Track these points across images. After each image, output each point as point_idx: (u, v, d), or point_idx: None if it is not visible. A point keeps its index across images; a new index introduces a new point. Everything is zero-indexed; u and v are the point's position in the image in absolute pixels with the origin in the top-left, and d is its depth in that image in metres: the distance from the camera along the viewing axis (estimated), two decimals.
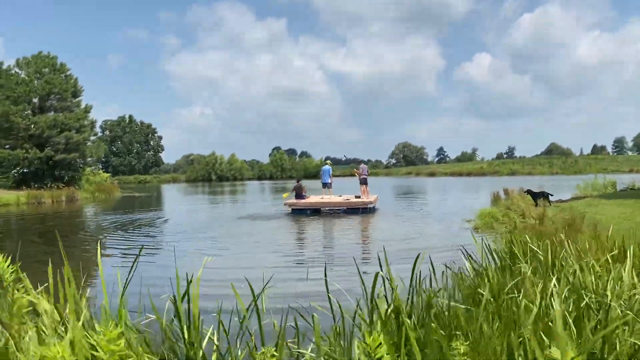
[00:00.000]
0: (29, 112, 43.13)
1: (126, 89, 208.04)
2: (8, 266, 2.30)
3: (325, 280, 3.75)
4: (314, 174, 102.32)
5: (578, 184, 26.12)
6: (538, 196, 20.58)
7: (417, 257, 3.90)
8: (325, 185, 24.77)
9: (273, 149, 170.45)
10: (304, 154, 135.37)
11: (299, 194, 23.81)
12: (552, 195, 20.81)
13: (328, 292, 3.73)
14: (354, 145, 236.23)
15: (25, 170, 43.46)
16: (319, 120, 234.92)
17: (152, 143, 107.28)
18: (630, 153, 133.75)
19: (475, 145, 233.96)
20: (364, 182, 24.36)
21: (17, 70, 44.00)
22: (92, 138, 46.50)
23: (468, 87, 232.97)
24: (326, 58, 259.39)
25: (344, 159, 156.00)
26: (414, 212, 22.76)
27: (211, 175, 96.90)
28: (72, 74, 45.86)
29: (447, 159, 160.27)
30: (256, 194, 47.26)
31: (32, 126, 42.23)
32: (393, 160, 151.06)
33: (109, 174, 58.05)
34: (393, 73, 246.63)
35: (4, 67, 43.20)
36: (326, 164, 26.25)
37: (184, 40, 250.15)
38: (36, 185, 41.05)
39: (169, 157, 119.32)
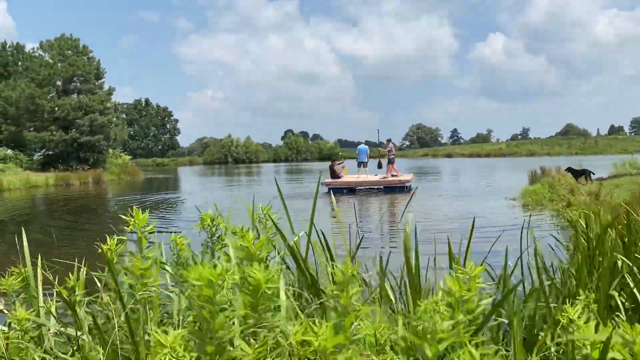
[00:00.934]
0: (53, 94, 43.25)
1: (139, 72, 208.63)
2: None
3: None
4: (328, 157, 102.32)
5: (615, 162, 25.84)
6: (579, 174, 20.38)
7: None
8: (362, 164, 24.67)
9: (286, 132, 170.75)
10: (316, 137, 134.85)
11: (334, 173, 23.80)
12: (594, 173, 20.57)
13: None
14: (367, 127, 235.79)
15: (50, 153, 43.79)
16: (330, 102, 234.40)
17: (168, 126, 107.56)
18: None
19: (489, 127, 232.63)
20: (392, 161, 24.37)
21: (41, 53, 44.13)
22: (115, 120, 46.47)
23: (482, 68, 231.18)
24: (338, 39, 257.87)
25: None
26: (453, 191, 22.64)
27: (227, 157, 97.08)
28: (95, 56, 45.87)
29: (461, 140, 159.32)
30: (282, 174, 47.27)
31: (57, 109, 42.36)
32: (407, 142, 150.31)
33: (130, 157, 58.26)
34: (406, 54, 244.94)
35: (28, 49, 43.35)
36: (363, 143, 26.16)
37: (196, 23, 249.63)
38: (62, 167, 41.35)
39: (182, 140, 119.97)
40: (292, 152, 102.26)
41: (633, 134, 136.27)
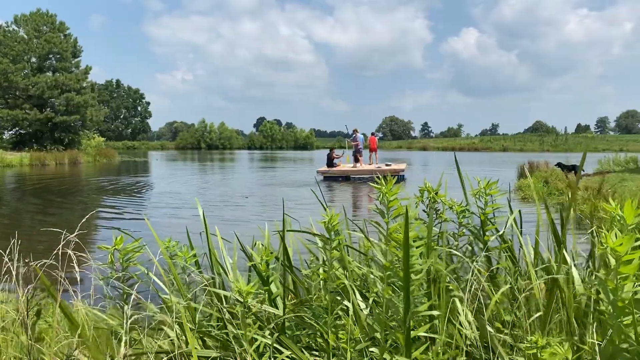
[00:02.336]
0: (27, 71, 41.76)
1: (108, 52, 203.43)
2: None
3: None
4: (304, 145, 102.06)
5: (600, 160, 26.43)
6: (569, 169, 20.74)
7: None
8: (360, 152, 24.67)
9: (258, 119, 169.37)
10: (289, 125, 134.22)
11: (331, 162, 23.71)
12: (583, 170, 20.95)
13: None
14: (340, 116, 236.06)
15: (23, 132, 42.37)
16: (304, 91, 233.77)
17: (139, 109, 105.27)
18: (611, 133, 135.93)
19: (459, 121, 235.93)
20: (359, 152, 24.52)
21: (15, 27, 42.49)
22: (91, 101, 45.18)
23: (454, 62, 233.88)
24: (313, 27, 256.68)
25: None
26: (449, 182, 22.73)
27: (200, 143, 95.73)
28: (72, 34, 44.44)
29: (432, 134, 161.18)
30: (269, 162, 46.82)
31: (31, 86, 40.93)
32: (380, 134, 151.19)
33: (103, 139, 56.85)
34: (380, 44, 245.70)
35: (1, 23, 41.69)
36: (357, 132, 26.05)
37: (168, 4, 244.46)
38: (36, 147, 40.05)
39: (151, 124, 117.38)
40: (268, 140, 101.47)
41: (598, 132, 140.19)
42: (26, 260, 2.08)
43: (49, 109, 41.05)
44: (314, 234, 2.54)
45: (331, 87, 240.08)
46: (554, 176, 19.56)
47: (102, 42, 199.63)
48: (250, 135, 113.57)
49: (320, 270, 2.33)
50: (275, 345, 2.02)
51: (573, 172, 20.44)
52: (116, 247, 2.08)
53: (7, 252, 2.31)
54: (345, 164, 25.27)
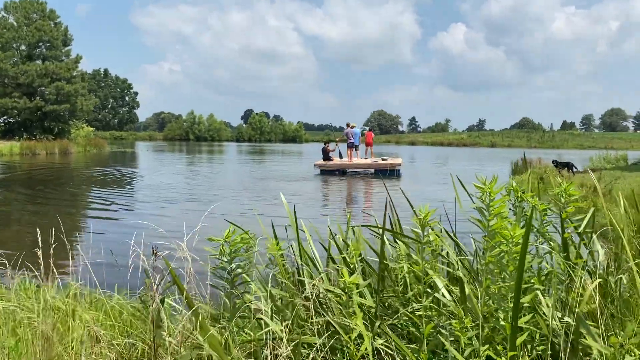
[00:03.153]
0: (17, 59, 41.20)
1: (94, 41, 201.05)
2: None
3: None
4: (292, 138, 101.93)
5: (591, 157, 26.87)
6: (563, 167, 21.06)
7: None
8: (353, 147, 24.72)
9: (246, 111, 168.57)
10: (277, 118, 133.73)
11: (327, 156, 23.80)
12: (576, 167, 21.29)
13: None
14: (328, 110, 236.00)
15: (11, 120, 41.85)
16: (293, 83, 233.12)
17: (127, 99, 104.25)
18: (596, 131, 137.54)
19: (446, 116, 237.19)
20: (350, 145, 24.62)
21: (5, 14, 41.85)
22: (81, 90, 44.68)
23: (442, 57, 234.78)
24: (302, 19, 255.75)
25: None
26: (443, 177, 22.91)
27: (189, 134, 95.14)
28: (62, 22, 43.91)
29: (419, 128, 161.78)
30: (259, 155, 46.73)
31: (21, 74, 40.40)
32: (367, 128, 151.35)
33: (92, 129, 56.26)
34: (369, 38, 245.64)
35: None
36: (354, 126, 26.13)
37: None
38: (25, 137, 39.59)
39: (138, 114, 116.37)
40: (256, 132, 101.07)
41: (583, 130, 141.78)
42: (155, 251, 2.16)
43: (38, 98, 40.59)
44: (399, 234, 2.64)
45: (320, 81, 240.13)
46: (549, 173, 19.89)
47: (88, 31, 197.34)
48: (238, 127, 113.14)
49: (405, 265, 2.43)
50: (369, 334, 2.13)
51: (566, 168, 20.79)
52: (226, 239, 2.17)
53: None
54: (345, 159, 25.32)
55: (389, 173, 22.70)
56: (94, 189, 16.49)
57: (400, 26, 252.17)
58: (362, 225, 2.96)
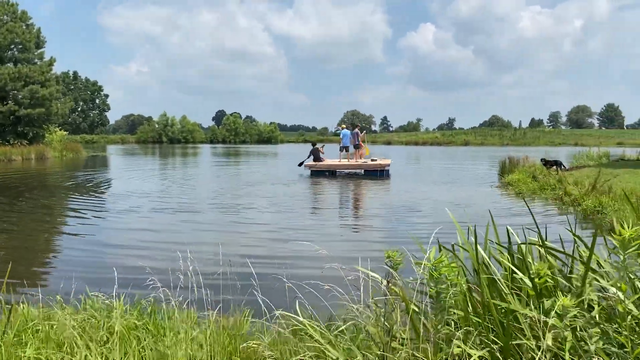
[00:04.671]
0: None
1: (60, 42, 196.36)
2: None
3: None
4: (268, 139, 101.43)
5: (575, 154, 27.44)
6: (551, 165, 21.44)
7: None
8: (344, 148, 24.82)
9: (217, 112, 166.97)
10: (249, 118, 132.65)
11: (317, 157, 23.79)
12: (564, 166, 21.72)
13: None
14: (301, 109, 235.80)
15: None
16: (264, 83, 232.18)
17: (97, 101, 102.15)
18: (563, 127, 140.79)
19: (417, 115, 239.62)
20: (357, 146, 24.86)
21: None
22: (56, 94, 43.45)
23: (412, 57, 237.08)
24: (272, 19, 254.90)
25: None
26: (432, 178, 23.10)
27: (162, 137, 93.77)
28: (34, 24, 42.69)
29: (391, 128, 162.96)
30: (237, 157, 46.30)
31: None
32: (340, 128, 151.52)
33: (66, 132, 54.92)
34: (340, 38, 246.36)
35: None
36: (344, 128, 26.31)
37: None
38: None
39: (109, 117, 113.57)
40: (231, 133, 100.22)
41: (551, 126, 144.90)
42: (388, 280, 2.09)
43: (11, 102, 39.34)
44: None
45: (291, 80, 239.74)
46: (539, 171, 20.24)
47: (53, 32, 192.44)
48: (212, 128, 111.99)
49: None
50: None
51: (555, 166, 21.15)
52: (435, 263, 2.11)
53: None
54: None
55: (379, 173, 22.89)
56: (80, 197, 16.05)
57: (371, 26, 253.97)
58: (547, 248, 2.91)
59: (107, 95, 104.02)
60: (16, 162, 33.38)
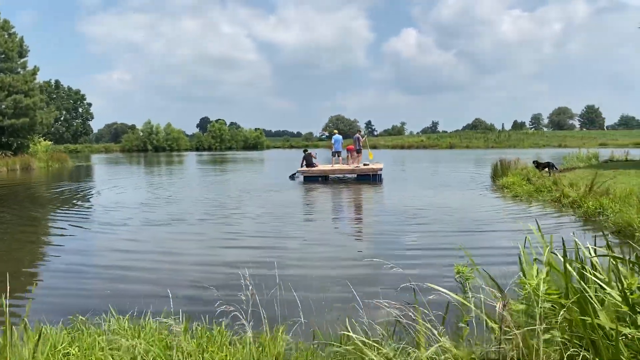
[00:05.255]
0: None
1: (40, 50, 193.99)
2: None
3: None
4: (254, 145, 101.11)
5: (564, 156, 27.70)
6: (544, 167, 21.59)
7: None
8: (336, 153, 24.84)
9: (201, 119, 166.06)
10: (233, 124, 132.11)
11: (310, 162, 23.75)
12: (556, 167, 21.88)
13: None
14: (285, 115, 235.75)
15: None
16: (248, 89, 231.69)
17: (80, 110, 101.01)
18: (545, 129, 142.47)
19: (401, 119, 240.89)
20: (359, 151, 25.04)
21: None
22: (40, 103, 42.83)
23: (395, 61, 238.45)
24: (255, 25, 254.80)
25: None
26: (426, 181, 23.11)
27: (147, 145, 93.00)
28: (17, 32, 42.07)
29: (375, 132, 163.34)
30: (226, 164, 45.99)
31: None
32: (326, 133, 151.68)
33: (51, 142, 54.19)
34: (324, 43, 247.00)
35: None
36: (336, 133, 26.37)
37: (103, 0, 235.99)
38: None
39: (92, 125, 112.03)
40: (216, 140, 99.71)
41: (533, 128, 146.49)
42: None
43: None
44: None
45: (275, 86, 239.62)
46: (533, 173, 20.34)
47: (34, 41, 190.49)
48: (197, 135, 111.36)
49: None
50: None
51: (547, 168, 21.29)
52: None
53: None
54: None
55: (372, 178, 22.89)
56: (69, 209, 15.77)
57: (354, 31, 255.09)
58: None
59: (90, 104, 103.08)
60: (1, 174, 32.77)
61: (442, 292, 2.71)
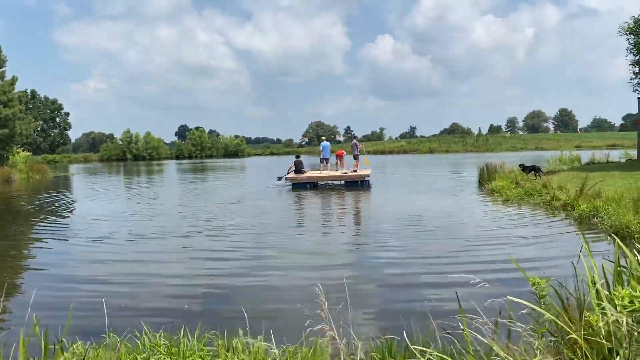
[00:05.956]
0: None
1: (13, 60, 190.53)
2: None
3: None
4: (235, 153, 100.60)
5: (548, 159, 28.20)
6: (530, 170, 21.94)
7: None
8: (324, 160, 24.97)
9: (180, 127, 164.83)
10: (212, 132, 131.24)
11: (299, 169, 23.85)
12: (542, 171, 22.26)
13: None
14: (263, 122, 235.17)
15: None
16: (226, 97, 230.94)
17: (58, 120, 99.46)
18: (520, 132, 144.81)
19: (379, 124, 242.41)
20: (355, 157, 25.28)
21: None
22: (19, 114, 42.17)
23: (372, 68, 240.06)
24: (232, 33, 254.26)
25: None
26: (414, 186, 23.29)
27: (126, 154, 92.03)
28: None
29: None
30: (210, 172, 45.69)
31: None
32: (306, 139, 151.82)
33: (29, 153, 53.29)
34: (301, 50, 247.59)
35: None
36: (324, 140, 26.51)
37: (77, 8, 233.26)
38: None
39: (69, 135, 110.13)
40: (197, 148, 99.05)
41: (509, 132, 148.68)
42: None
43: None
44: None
45: (253, 93, 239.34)
46: (520, 177, 20.67)
47: (7, 50, 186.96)
48: (178, 144, 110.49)
49: None
50: None
51: (533, 172, 21.64)
52: None
53: None
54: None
55: (360, 184, 23.06)
56: (51, 222, 15.58)
57: (331, 38, 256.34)
58: None
59: (67, 114, 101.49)
60: None
61: (527, 305, 2.78)
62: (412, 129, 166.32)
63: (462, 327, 2.88)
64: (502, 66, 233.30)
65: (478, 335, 2.79)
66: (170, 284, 7.79)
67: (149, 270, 8.65)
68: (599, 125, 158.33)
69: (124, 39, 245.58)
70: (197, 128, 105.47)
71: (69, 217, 16.08)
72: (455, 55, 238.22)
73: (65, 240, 11.88)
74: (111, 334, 4.40)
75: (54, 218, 15.68)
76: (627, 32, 25.81)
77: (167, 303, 6.79)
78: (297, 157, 25.07)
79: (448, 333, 3.20)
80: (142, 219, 14.85)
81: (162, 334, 4.25)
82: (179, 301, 6.82)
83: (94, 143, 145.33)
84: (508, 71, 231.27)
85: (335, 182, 24.09)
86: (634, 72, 26.48)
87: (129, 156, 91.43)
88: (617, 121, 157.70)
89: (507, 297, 2.87)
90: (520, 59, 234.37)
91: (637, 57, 26.19)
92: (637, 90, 26.77)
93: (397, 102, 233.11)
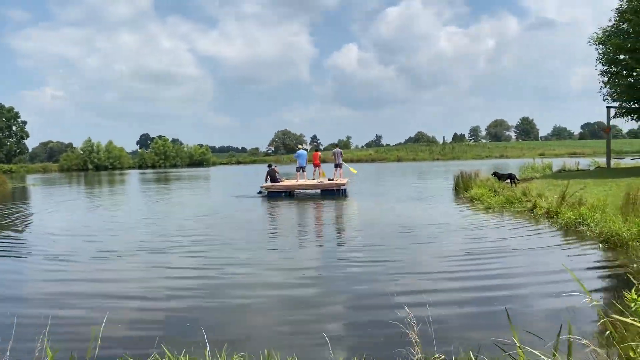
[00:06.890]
0: None
1: None
2: None
3: None
4: (199, 162, 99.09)
5: (521, 166, 28.30)
6: (505, 178, 21.86)
7: None
8: (301, 169, 24.44)
9: (142, 136, 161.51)
10: (175, 141, 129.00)
11: (274, 178, 23.26)
12: (518, 179, 22.20)
13: None
14: (228, 131, 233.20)
15: None
16: (189, 105, 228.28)
17: (14, 129, 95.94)
18: (483, 141, 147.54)
19: (345, 133, 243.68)
20: (339, 166, 24.93)
21: None
22: None
23: (338, 76, 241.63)
24: (196, 40, 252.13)
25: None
26: (391, 195, 22.86)
27: (87, 164, 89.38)
28: None
29: (321, 146, 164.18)
30: (175, 182, 44.40)
31: None
32: (272, 148, 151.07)
33: None
34: (266, 58, 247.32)
35: None
36: (301, 148, 26.04)
37: (34, 14, 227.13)
38: None
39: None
40: (160, 157, 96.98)
41: (472, 140, 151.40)
42: None
43: None
44: None
45: (218, 101, 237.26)
46: (497, 185, 20.51)
47: None
48: (141, 153, 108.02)
49: None
50: None
51: (509, 180, 21.53)
52: None
53: None
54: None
55: (336, 192, 22.64)
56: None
57: (297, 46, 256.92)
58: None
59: (25, 122, 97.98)
60: None
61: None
62: (378, 137, 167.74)
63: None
64: (465, 75, 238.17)
65: None
66: (128, 307, 6.93)
67: (108, 290, 7.75)
68: (559, 133, 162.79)
69: (84, 45, 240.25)
70: (160, 137, 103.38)
71: (25, 231, 14.92)
72: (419, 65, 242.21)
73: (19, 257, 10.85)
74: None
75: (8, 232, 14.52)
76: (596, 43, 26.15)
77: (122, 330, 5.94)
78: (270, 166, 24.52)
79: None
80: (104, 234, 13.71)
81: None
82: (137, 326, 6.07)
83: (51, 152, 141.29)
84: (470, 80, 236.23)
85: (311, 190, 23.62)
86: (603, 81, 26.80)
87: (91, 166, 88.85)
88: (576, 130, 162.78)
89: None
90: (482, 69, 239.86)
91: (605, 67, 26.54)
92: (606, 99, 27.10)
93: (362, 111, 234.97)
